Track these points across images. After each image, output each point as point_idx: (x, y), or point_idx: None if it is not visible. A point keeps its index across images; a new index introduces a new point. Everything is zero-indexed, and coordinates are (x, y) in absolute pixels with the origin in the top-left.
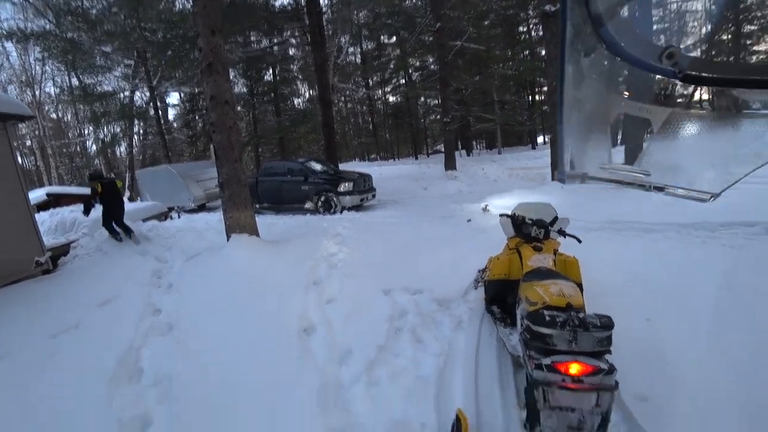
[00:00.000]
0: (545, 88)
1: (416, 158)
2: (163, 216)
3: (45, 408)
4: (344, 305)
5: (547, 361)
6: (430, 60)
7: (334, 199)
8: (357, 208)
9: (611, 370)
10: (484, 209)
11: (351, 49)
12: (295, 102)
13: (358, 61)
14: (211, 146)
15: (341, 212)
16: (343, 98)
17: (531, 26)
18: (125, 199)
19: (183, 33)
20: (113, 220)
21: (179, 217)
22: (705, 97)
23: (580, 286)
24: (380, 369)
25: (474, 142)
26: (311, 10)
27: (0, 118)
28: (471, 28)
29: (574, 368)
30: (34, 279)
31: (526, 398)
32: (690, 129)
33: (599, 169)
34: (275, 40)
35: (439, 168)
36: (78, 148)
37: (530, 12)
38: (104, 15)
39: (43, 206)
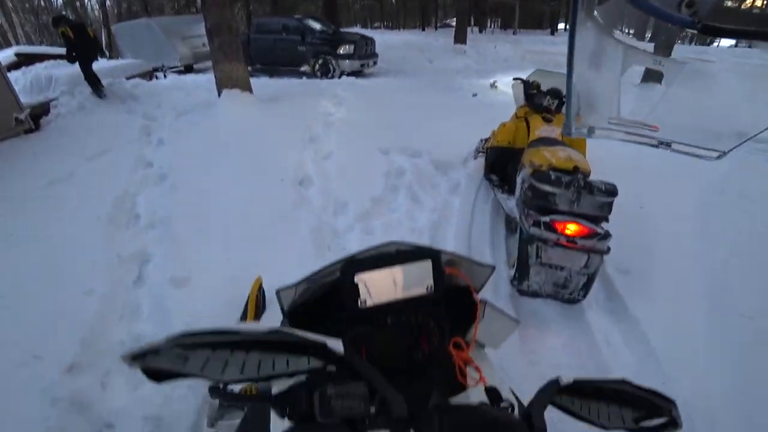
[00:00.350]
0: None
1: (423, 29)
2: (148, 75)
3: (46, 246)
4: (341, 161)
5: (546, 219)
6: None
7: (333, 62)
8: (357, 74)
9: (606, 235)
10: (492, 85)
11: None
12: None
13: None
14: None
15: (339, 77)
16: None
17: None
18: (101, 59)
19: None
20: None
21: (165, 77)
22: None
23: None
24: (375, 220)
25: (489, 19)
26: None
27: None
28: None
29: (572, 228)
30: (18, 138)
31: (518, 254)
32: (703, 84)
33: (607, 122)
34: None
35: (447, 41)
36: (42, 2)
37: None
38: None
39: (13, 66)
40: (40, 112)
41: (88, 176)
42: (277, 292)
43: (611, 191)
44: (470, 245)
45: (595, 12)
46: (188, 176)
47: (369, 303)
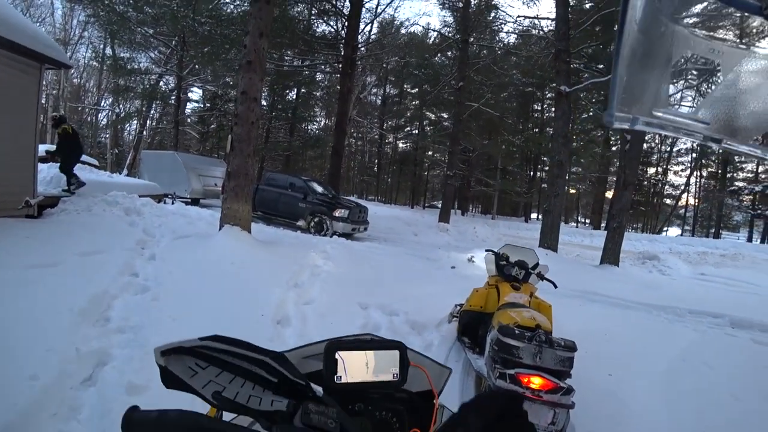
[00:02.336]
0: (547, 167)
1: (412, 207)
2: (158, 198)
3: (4, 324)
4: (321, 308)
5: (511, 371)
6: (445, 116)
7: (328, 222)
8: (348, 236)
9: (569, 390)
10: (470, 259)
11: (375, 90)
12: (309, 127)
13: (379, 102)
14: (229, 137)
15: (331, 236)
16: (356, 133)
17: (545, 106)
18: (122, 175)
19: (227, 33)
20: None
21: (173, 203)
22: None
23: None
24: None
25: (471, 204)
26: (348, 42)
27: (40, 59)
28: (490, 94)
29: (536, 382)
30: (18, 219)
31: None
32: (764, 76)
33: (651, 113)
34: (307, 62)
35: (432, 219)
36: (89, 117)
37: (546, 93)
38: None
39: (41, 160)
40: (49, 203)
41: (73, 270)
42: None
43: (570, 347)
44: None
45: None
46: (171, 292)
47: (344, 380)
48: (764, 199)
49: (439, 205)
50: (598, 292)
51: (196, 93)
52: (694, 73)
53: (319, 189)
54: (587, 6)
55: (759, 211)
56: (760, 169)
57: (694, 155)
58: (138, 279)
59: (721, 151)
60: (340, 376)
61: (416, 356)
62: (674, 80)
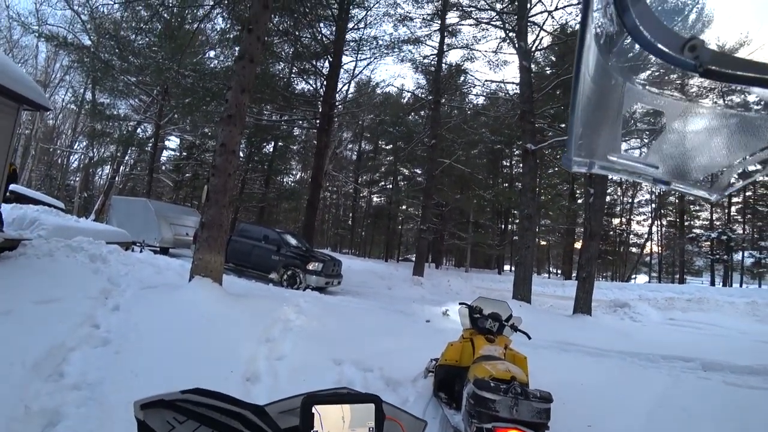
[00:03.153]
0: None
1: (386, 261)
2: (126, 246)
3: None
4: (293, 364)
5: (488, 425)
6: (419, 172)
7: (301, 275)
8: (321, 289)
9: None
10: (444, 313)
11: (350, 145)
12: (285, 179)
13: (354, 157)
14: (205, 187)
15: (304, 290)
16: (331, 187)
17: (513, 162)
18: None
19: (209, 86)
20: None
21: (141, 251)
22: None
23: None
24: None
25: (444, 258)
26: (326, 99)
27: (18, 99)
28: (461, 151)
29: None
30: None
31: None
32: (703, 125)
33: (607, 158)
34: (285, 117)
35: (406, 272)
36: (59, 159)
37: (514, 150)
38: (145, 50)
39: (5, 200)
40: (8, 246)
41: (28, 318)
42: (263, 407)
43: (546, 398)
44: None
45: (599, 45)
46: (135, 346)
47: None
48: (720, 244)
49: (413, 259)
50: (572, 341)
51: (173, 141)
52: (643, 122)
53: (293, 241)
54: (548, 72)
55: (717, 256)
56: (714, 216)
57: (653, 205)
58: (99, 330)
59: (677, 199)
60: (317, 431)
61: (392, 409)
62: (625, 128)
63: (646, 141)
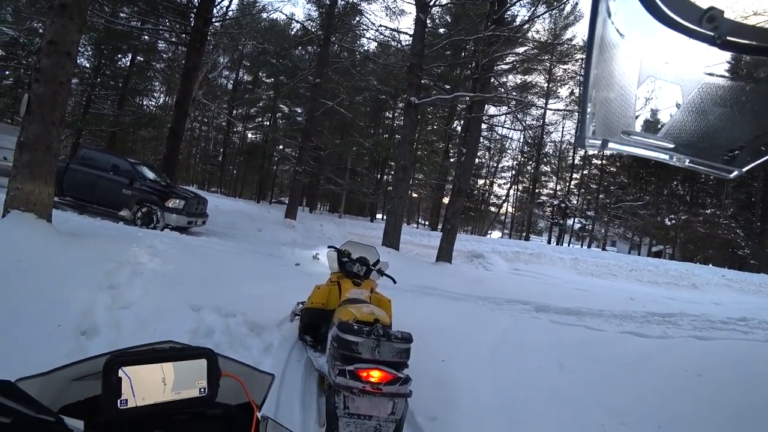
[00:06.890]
0: (393, 171)
1: (258, 202)
2: None
3: None
4: (142, 313)
5: (350, 367)
6: (299, 111)
7: (159, 213)
8: (183, 230)
9: (407, 380)
10: (315, 257)
11: (226, 72)
12: (144, 102)
13: (230, 86)
14: (25, 96)
15: (162, 230)
16: (200, 117)
17: (395, 114)
18: None
19: None
20: None
21: None
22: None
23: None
24: None
25: (319, 202)
26: (201, 12)
27: None
28: (345, 95)
29: (375, 375)
30: None
31: (327, 407)
32: (721, 100)
33: (620, 136)
34: (148, 26)
35: (279, 215)
36: None
37: (399, 102)
38: None
39: None
40: None
41: None
42: (9, 383)
43: (407, 338)
44: (279, 404)
45: (612, 20)
46: None
47: (131, 404)
48: (560, 211)
49: (287, 201)
50: (433, 286)
51: None
52: (658, 97)
53: (151, 175)
54: (441, 31)
55: (556, 220)
56: (558, 187)
57: (513, 172)
58: None
59: (532, 168)
60: (126, 400)
61: (231, 364)
62: (640, 104)
63: (661, 118)
